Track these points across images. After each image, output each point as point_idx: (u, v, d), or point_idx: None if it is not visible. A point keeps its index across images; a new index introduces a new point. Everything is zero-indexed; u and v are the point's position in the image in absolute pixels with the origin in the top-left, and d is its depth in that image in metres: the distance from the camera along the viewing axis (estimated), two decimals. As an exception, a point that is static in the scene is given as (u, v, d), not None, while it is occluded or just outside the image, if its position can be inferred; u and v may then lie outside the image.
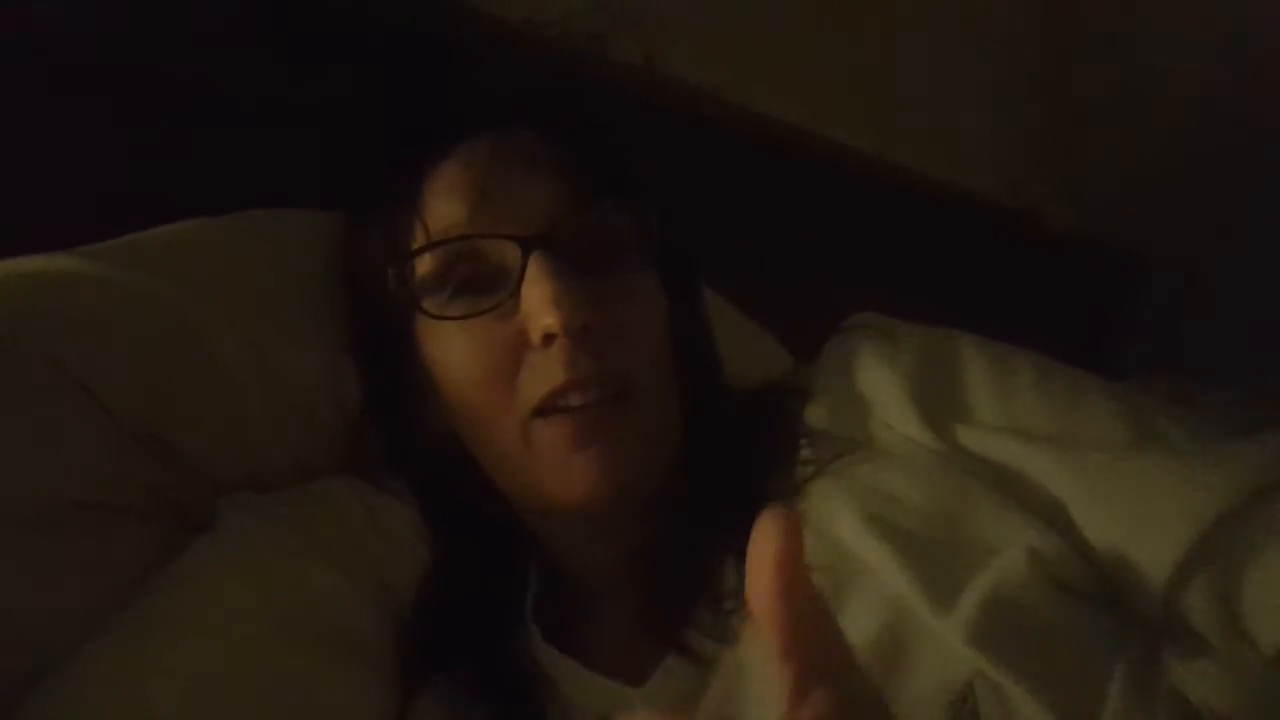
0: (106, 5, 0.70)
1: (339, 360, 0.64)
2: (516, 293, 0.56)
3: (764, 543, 0.32)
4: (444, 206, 0.58)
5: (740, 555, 0.55)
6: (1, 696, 0.48)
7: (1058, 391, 0.56)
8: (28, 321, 0.55)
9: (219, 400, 0.60)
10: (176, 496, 0.59)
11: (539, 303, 0.54)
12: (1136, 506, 0.50)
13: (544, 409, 0.55)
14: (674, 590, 0.57)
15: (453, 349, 0.58)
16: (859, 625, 0.49)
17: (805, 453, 0.58)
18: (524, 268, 0.55)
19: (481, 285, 0.57)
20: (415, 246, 0.58)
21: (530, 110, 0.62)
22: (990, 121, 1.33)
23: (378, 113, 0.70)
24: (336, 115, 0.74)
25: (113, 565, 0.55)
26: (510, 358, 0.56)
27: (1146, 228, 1.36)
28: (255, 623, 0.53)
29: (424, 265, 0.58)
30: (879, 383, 0.58)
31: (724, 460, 0.60)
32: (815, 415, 0.60)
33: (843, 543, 0.53)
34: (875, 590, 0.50)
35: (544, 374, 0.55)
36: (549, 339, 0.55)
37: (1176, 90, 1.35)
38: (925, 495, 0.53)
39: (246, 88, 0.74)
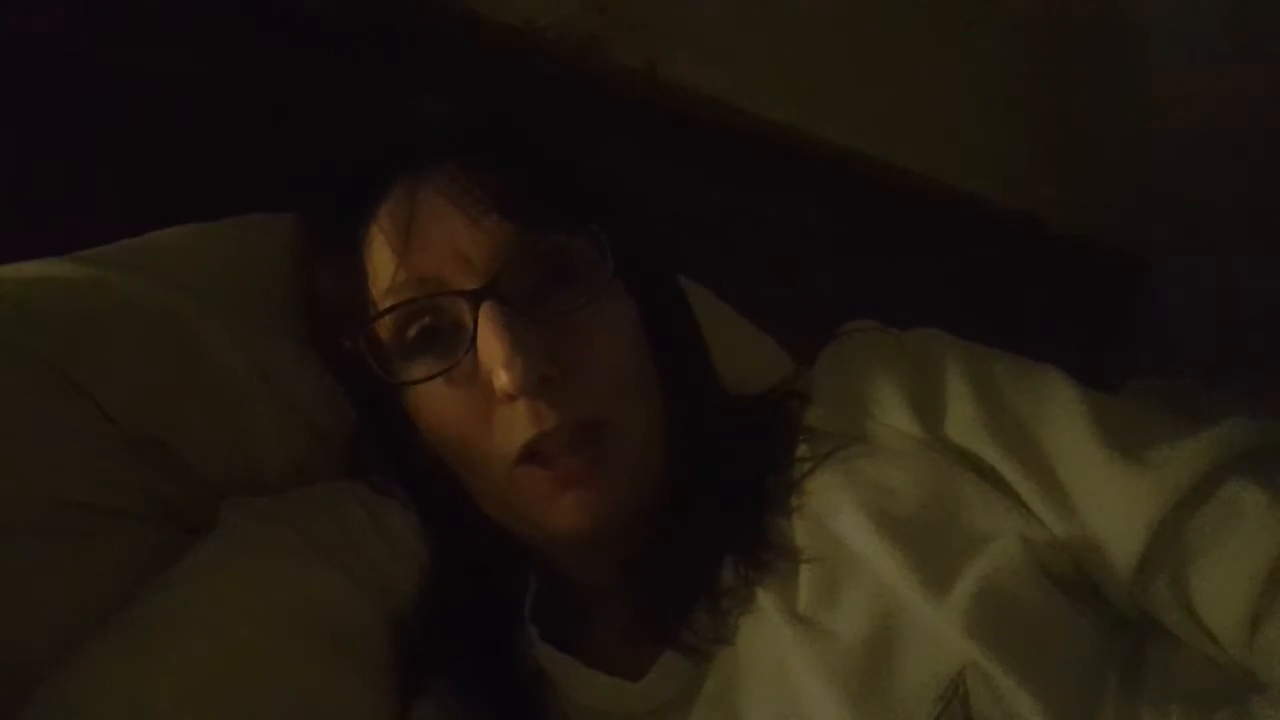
0: (106, 5, 0.70)
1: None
2: (474, 348, 0.54)
3: None
4: (382, 265, 0.56)
5: (738, 554, 0.55)
6: (1, 697, 0.48)
7: (1027, 392, 0.56)
8: (28, 325, 0.55)
9: (218, 404, 0.60)
10: (175, 500, 0.59)
11: (493, 362, 0.53)
12: (1095, 505, 0.50)
13: (521, 459, 0.55)
14: (672, 589, 0.57)
15: (425, 405, 0.57)
16: (854, 616, 0.50)
17: (803, 449, 0.58)
18: (476, 322, 0.54)
19: (440, 340, 0.56)
20: (368, 314, 0.57)
21: (456, 142, 0.58)
22: (991, 124, 1.33)
23: (375, 117, 0.69)
24: (335, 117, 0.74)
25: (111, 569, 0.55)
26: (481, 411, 0.55)
27: (1147, 228, 1.36)
28: (254, 624, 0.53)
29: (381, 330, 0.57)
30: (875, 381, 0.58)
31: (717, 465, 0.60)
32: (813, 415, 0.60)
33: (839, 535, 0.53)
34: (870, 581, 0.51)
35: (513, 428, 0.54)
36: (510, 396, 0.54)
37: (1178, 92, 1.35)
38: (920, 487, 0.54)
39: (246, 88, 0.74)
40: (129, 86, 0.70)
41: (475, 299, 0.54)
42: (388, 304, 0.56)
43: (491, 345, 0.53)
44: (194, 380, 0.59)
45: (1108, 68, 1.39)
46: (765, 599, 0.53)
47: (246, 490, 0.60)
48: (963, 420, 0.56)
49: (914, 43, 1.23)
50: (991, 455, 0.54)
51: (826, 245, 1.07)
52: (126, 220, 0.62)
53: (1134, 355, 1.31)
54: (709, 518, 0.58)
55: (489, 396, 0.55)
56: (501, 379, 0.53)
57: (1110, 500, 0.50)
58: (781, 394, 0.63)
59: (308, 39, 0.76)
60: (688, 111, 0.96)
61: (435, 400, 0.56)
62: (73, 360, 0.55)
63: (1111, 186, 1.39)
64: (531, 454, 0.55)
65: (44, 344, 0.55)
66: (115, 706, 0.48)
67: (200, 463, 0.59)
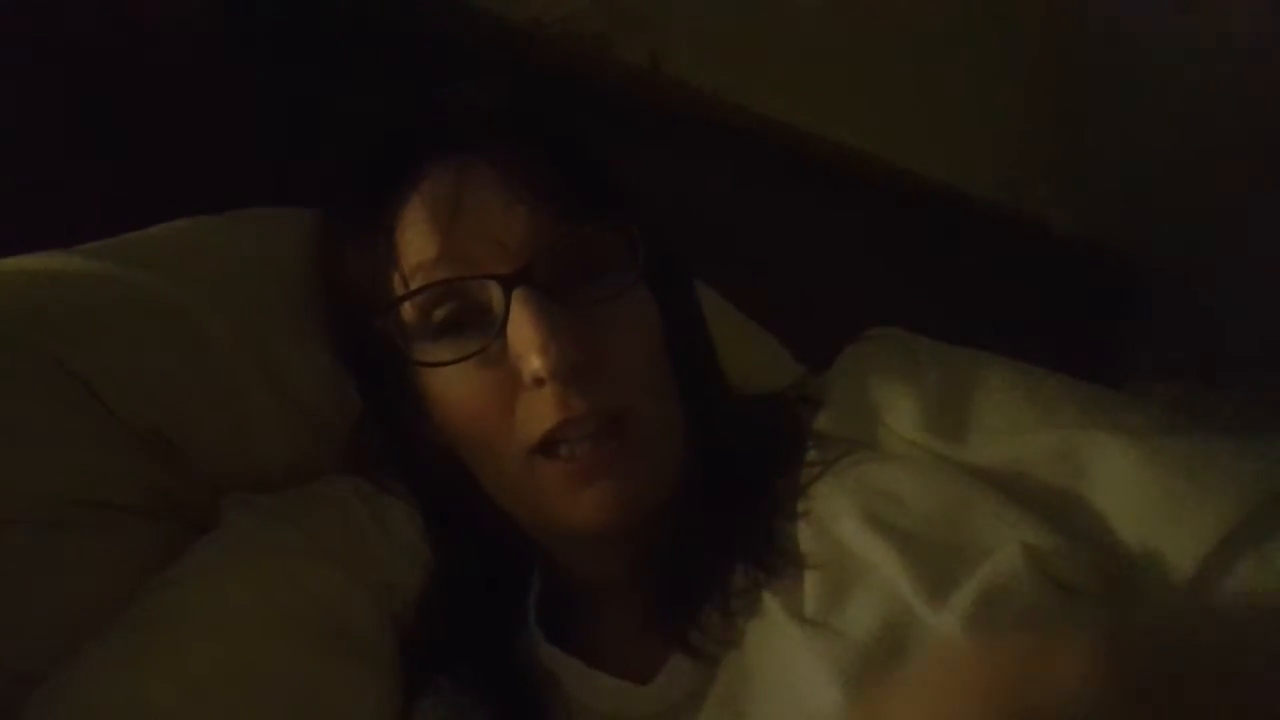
0: (107, 5, 0.69)
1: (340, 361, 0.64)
2: (503, 333, 0.54)
3: None
4: (416, 245, 0.56)
5: (747, 558, 0.55)
6: (2, 696, 0.47)
7: (1090, 397, 0.56)
8: (28, 319, 0.55)
9: (220, 398, 0.59)
10: (179, 495, 0.59)
11: (525, 347, 0.53)
12: (1184, 481, 0.50)
13: (543, 446, 0.55)
14: (681, 591, 0.57)
15: (447, 389, 0.57)
16: (861, 620, 0.50)
17: (812, 454, 0.58)
18: (508, 307, 0.54)
19: (467, 324, 0.56)
20: (396, 294, 0.56)
21: (499, 128, 0.59)
22: (991, 124, 1.33)
23: (377, 115, 0.69)
24: (337, 116, 0.73)
25: (113, 564, 0.55)
26: (504, 397, 0.55)
27: (1146, 229, 1.36)
28: (257, 622, 0.53)
29: (407, 311, 0.56)
30: (893, 390, 0.58)
31: (729, 466, 0.60)
32: (824, 420, 0.60)
33: (845, 541, 0.53)
34: (876, 587, 0.51)
35: (538, 415, 0.54)
36: (540, 381, 0.54)
37: (1176, 91, 1.35)
38: (927, 495, 0.53)
39: (246, 87, 0.73)
40: (130, 87, 0.70)
41: (508, 284, 0.54)
42: (418, 283, 0.56)
43: (525, 330, 0.53)
44: (196, 374, 0.59)
45: (1108, 68, 1.39)
46: (772, 603, 0.53)
47: (249, 485, 0.60)
48: (1014, 426, 0.55)
49: (914, 43, 1.23)
50: (1062, 441, 0.53)
51: (827, 244, 1.07)
52: (128, 220, 0.62)
53: (1134, 355, 1.31)
54: (720, 520, 0.57)
55: (513, 382, 0.55)
56: (534, 364, 0.53)
57: (1207, 477, 0.49)
58: (792, 398, 0.63)
59: (307, 36, 0.76)
60: (691, 109, 0.96)
61: (457, 385, 0.56)
62: (75, 354, 0.55)
63: (1112, 187, 1.39)
64: (552, 442, 0.55)
65: (46, 338, 0.55)
66: (118, 704, 0.48)
67: (203, 457, 0.59)
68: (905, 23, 1.22)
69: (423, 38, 0.78)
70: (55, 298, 0.56)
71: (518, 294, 0.54)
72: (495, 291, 0.55)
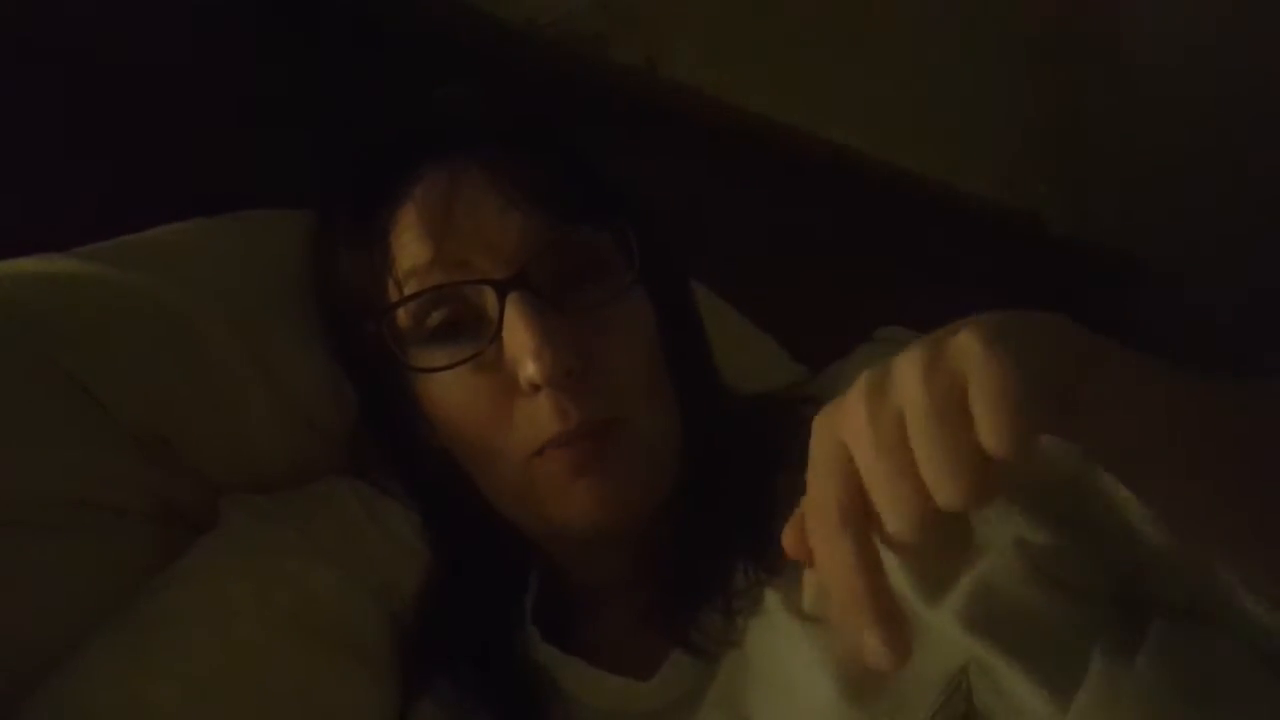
0: (107, 5, 0.70)
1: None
2: (498, 338, 0.54)
3: None
4: (410, 250, 0.56)
5: (748, 556, 0.55)
6: (2, 696, 0.47)
7: None
8: (26, 322, 0.55)
9: (219, 401, 0.59)
10: (177, 497, 0.59)
11: (520, 352, 0.53)
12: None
13: (540, 450, 0.55)
14: (682, 588, 0.57)
15: (443, 393, 0.57)
16: None
17: None
18: (502, 312, 0.54)
19: (462, 328, 0.56)
20: (391, 299, 0.56)
21: (492, 132, 0.59)
22: (990, 123, 1.33)
23: (375, 115, 0.69)
24: (336, 115, 0.74)
25: (113, 565, 0.55)
26: (501, 402, 0.55)
27: (1146, 228, 1.37)
28: (256, 622, 0.53)
29: (402, 316, 0.57)
30: None
31: (726, 468, 0.60)
32: None
33: None
34: None
35: (536, 423, 0.54)
36: (535, 387, 0.54)
37: (1176, 90, 1.35)
38: None
39: (246, 87, 0.73)
40: (130, 87, 0.70)
41: (503, 289, 0.54)
42: (412, 289, 0.56)
43: (519, 335, 0.53)
44: (195, 376, 0.59)
45: (1108, 67, 1.39)
46: (772, 599, 0.53)
47: (248, 487, 0.60)
48: None
49: (913, 43, 1.23)
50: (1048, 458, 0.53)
51: (825, 245, 1.07)
52: (128, 220, 0.62)
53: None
54: (721, 519, 0.57)
55: (510, 387, 0.55)
56: (529, 369, 0.53)
57: None
58: (794, 397, 0.63)
59: (306, 36, 0.76)
60: (688, 110, 0.96)
61: (454, 390, 0.56)
62: (75, 357, 0.55)
63: (1109, 185, 1.39)
64: (549, 444, 0.54)
65: (45, 341, 0.55)
66: (117, 704, 0.48)
67: (201, 459, 0.59)
68: (904, 23, 1.22)
69: (419, 37, 0.78)
70: (53, 300, 0.56)
71: (512, 299, 0.54)
72: (490, 296, 0.55)
